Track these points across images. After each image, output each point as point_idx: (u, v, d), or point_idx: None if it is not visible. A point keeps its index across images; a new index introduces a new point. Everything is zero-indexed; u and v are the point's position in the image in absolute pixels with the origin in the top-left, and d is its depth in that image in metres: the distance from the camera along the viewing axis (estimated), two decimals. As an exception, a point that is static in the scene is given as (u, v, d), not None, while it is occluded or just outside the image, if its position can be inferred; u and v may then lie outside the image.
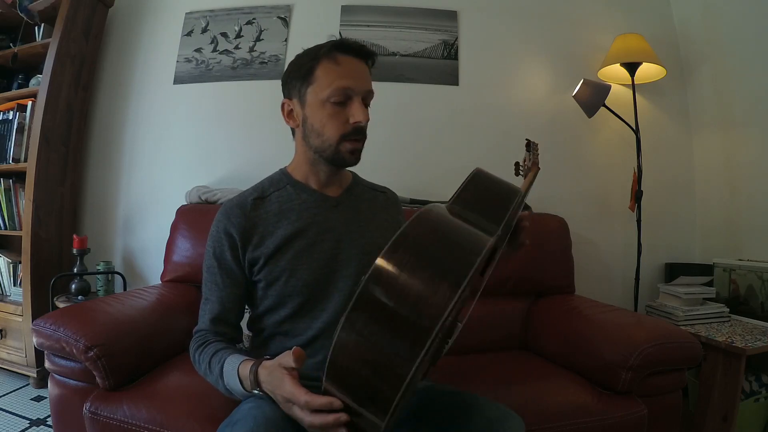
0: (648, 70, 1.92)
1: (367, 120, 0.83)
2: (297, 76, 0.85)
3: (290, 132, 0.92)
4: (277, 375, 0.66)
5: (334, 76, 0.80)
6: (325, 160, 0.86)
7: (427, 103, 2.04)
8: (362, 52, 0.84)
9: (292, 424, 0.67)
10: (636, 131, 1.84)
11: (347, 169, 0.93)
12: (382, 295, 0.54)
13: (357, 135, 0.83)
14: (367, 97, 0.84)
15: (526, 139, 1.01)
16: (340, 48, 0.82)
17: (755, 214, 1.80)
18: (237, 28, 2.10)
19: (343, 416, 0.58)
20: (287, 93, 0.88)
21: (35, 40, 2.06)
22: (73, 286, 1.79)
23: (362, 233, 0.89)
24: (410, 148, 2.02)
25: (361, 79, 0.83)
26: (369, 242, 0.88)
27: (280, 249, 0.85)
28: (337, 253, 0.86)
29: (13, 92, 2.07)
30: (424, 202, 1.76)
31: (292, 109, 0.87)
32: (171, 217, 1.68)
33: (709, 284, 1.69)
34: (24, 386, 1.84)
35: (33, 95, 1.94)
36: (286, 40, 2.08)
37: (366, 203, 0.95)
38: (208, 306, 0.87)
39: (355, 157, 0.85)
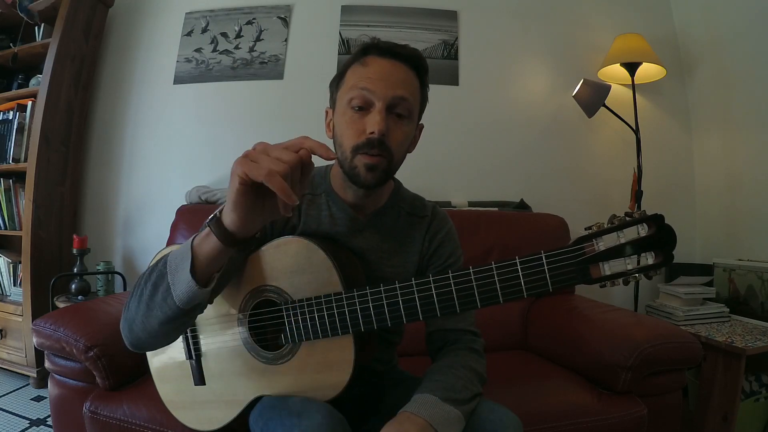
0: (648, 70, 1.92)
1: (382, 132, 0.70)
2: (333, 82, 0.80)
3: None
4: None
5: (357, 77, 0.73)
6: (348, 178, 0.76)
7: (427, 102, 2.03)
8: (392, 52, 0.74)
9: (351, 420, 0.66)
10: (636, 131, 1.84)
11: (395, 178, 0.86)
12: None
13: (369, 148, 0.71)
14: (396, 105, 0.72)
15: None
16: (370, 48, 0.75)
17: (755, 214, 1.80)
18: (237, 28, 2.10)
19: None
20: (330, 101, 0.82)
21: (35, 40, 2.05)
22: (73, 286, 1.79)
23: (378, 265, 0.83)
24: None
25: (386, 82, 0.72)
26: (380, 276, 0.82)
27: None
28: None
29: (13, 92, 2.07)
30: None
31: (331, 119, 0.80)
32: (171, 217, 1.68)
33: (709, 284, 1.69)
34: (24, 386, 1.84)
35: (33, 95, 1.94)
36: (286, 40, 2.08)
37: (394, 231, 0.85)
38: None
39: (373, 175, 0.72)
